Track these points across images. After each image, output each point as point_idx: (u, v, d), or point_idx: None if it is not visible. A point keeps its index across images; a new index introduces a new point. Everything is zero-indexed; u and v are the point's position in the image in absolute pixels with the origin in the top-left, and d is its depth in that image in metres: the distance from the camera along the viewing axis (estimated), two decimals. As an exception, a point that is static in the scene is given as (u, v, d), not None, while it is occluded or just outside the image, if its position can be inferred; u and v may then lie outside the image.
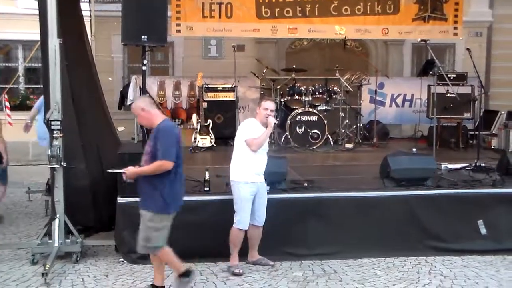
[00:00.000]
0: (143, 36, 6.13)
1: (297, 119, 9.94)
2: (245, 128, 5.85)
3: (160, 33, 6.24)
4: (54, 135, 6.07)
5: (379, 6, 11.23)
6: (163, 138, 4.91)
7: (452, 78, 10.09)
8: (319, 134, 9.91)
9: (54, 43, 6.09)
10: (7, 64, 13.68)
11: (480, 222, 6.62)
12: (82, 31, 7.81)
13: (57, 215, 6.14)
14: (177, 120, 10.74)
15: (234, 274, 5.83)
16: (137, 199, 6.04)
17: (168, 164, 4.87)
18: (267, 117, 5.83)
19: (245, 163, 5.77)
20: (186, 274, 5.13)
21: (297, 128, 9.91)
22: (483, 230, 6.61)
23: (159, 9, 6.18)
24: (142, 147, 6.45)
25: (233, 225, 5.80)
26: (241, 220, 5.76)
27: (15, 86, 12.92)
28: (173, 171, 4.93)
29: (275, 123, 5.96)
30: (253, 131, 5.77)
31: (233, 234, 5.81)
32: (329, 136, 10.20)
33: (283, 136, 10.07)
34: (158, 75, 12.46)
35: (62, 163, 6.09)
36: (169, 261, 5.15)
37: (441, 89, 9.54)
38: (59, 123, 6.09)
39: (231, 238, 5.83)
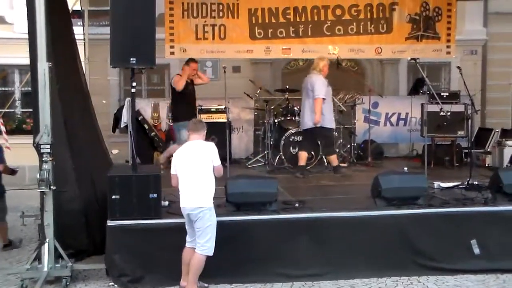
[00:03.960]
0: (131, 59, 6.12)
1: (291, 139, 9.94)
2: (215, 152, 5.78)
3: (148, 55, 6.22)
4: (43, 159, 6.09)
5: (372, 26, 11.25)
6: None
7: (445, 96, 10.15)
8: (313, 154, 9.90)
9: (43, 66, 6.12)
10: (3, 89, 13.74)
11: (473, 242, 6.56)
12: (75, 54, 7.87)
13: (47, 239, 6.13)
14: (172, 142, 10.76)
15: None
16: (128, 222, 6.15)
17: None
18: None
19: (213, 186, 5.75)
20: None
21: (291, 148, 9.91)
22: (476, 250, 6.55)
23: (146, 31, 6.15)
24: (132, 169, 6.50)
25: (202, 253, 5.64)
26: (212, 246, 5.65)
27: (11, 110, 12.97)
28: None
29: None
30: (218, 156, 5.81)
31: (201, 262, 5.65)
32: (323, 156, 10.19)
33: (277, 157, 10.06)
34: (154, 97, 12.51)
35: (51, 187, 6.09)
36: None
37: (434, 108, 9.56)
38: (48, 146, 6.10)
39: (199, 266, 5.65)
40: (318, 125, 9.14)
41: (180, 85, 9.60)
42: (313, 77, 9.27)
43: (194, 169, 5.70)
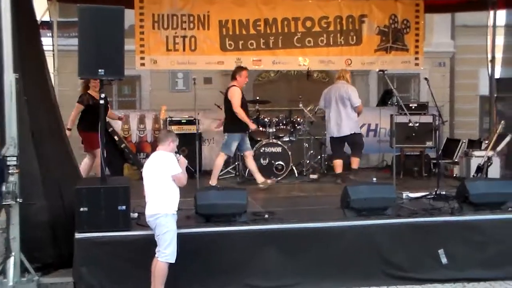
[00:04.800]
0: (100, 70, 6.10)
1: (261, 150, 9.96)
2: (171, 162, 5.74)
3: (117, 66, 6.20)
4: (10, 171, 6.01)
5: (342, 38, 11.36)
6: None
7: (413, 107, 10.30)
8: (284, 165, 9.93)
9: (10, 78, 6.05)
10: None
11: (441, 251, 6.64)
12: (43, 65, 7.79)
13: (13, 253, 6.03)
14: (142, 154, 10.71)
15: None
16: (96, 234, 6.09)
17: None
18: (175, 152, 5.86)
19: (172, 194, 5.74)
20: None
21: (262, 159, 9.91)
22: (444, 260, 6.63)
23: (115, 43, 6.15)
24: (101, 181, 6.45)
25: (162, 260, 5.63)
26: (172, 253, 5.64)
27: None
28: None
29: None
30: (178, 166, 5.76)
31: (163, 270, 5.64)
32: (294, 167, 10.25)
33: (248, 168, 10.06)
34: (125, 109, 12.44)
35: (18, 200, 6.02)
36: None
37: (403, 119, 9.68)
38: (15, 158, 6.03)
39: (161, 274, 5.64)
40: (357, 132, 9.91)
41: (239, 98, 9.03)
42: (346, 86, 9.83)
43: (150, 179, 5.77)
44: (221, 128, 9.57)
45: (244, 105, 9.14)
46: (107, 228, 6.13)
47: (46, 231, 6.71)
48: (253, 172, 9.30)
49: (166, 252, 5.62)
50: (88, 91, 9.07)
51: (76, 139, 10.03)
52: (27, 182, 6.33)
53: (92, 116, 8.74)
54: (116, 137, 10.28)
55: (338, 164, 9.91)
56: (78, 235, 6.09)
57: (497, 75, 11.41)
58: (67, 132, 8.55)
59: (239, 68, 9.33)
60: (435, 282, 6.55)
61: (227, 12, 10.98)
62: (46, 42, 9.24)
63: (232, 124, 9.11)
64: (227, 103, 9.16)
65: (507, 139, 9.65)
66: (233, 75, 9.25)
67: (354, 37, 11.44)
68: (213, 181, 9.07)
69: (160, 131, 6.37)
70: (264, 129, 10.27)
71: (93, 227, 6.11)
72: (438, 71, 15.04)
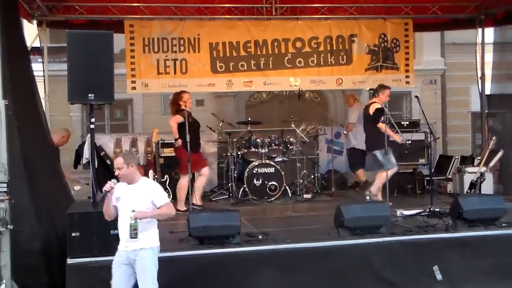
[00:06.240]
0: (89, 95, 6.10)
1: (254, 171, 9.93)
2: None
3: (107, 91, 6.21)
4: (0, 198, 5.97)
5: (332, 58, 11.40)
6: None
7: (405, 125, 10.33)
8: (277, 185, 9.89)
9: (-1, 104, 6.05)
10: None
11: (435, 268, 6.64)
12: (33, 91, 7.82)
13: (3, 281, 5.97)
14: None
15: None
16: (89, 259, 6.04)
17: None
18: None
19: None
20: None
21: (255, 180, 9.88)
22: (439, 276, 6.63)
23: (105, 67, 6.17)
24: (93, 206, 6.40)
25: None
26: None
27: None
28: None
29: (106, 191, 5.35)
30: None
31: None
32: (287, 187, 10.21)
33: (241, 189, 10.04)
34: (118, 132, 12.43)
35: (8, 226, 5.96)
36: None
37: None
38: (5, 185, 5.99)
39: None
40: None
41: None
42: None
43: None
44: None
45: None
46: (100, 253, 6.07)
47: (38, 258, 6.64)
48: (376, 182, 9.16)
49: None
50: (182, 108, 8.78)
51: (66, 162, 10.08)
52: (18, 208, 6.28)
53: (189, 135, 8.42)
54: (108, 161, 10.24)
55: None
56: (70, 261, 6.04)
57: (488, 91, 11.46)
58: (178, 142, 8.65)
59: (383, 87, 9.32)
60: (431, 300, 6.52)
61: (218, 35, 11.01)
62: (37, 67, 9.27)
63: (377, 140, 8.82)
64: (368, 120, 9.09)
65: (499, 154, 9.70)
66: (376, 92, 9.24)
67: (345, 57, 11.49)
68: (378, 197, 9.04)
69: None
70: (256, 150, 10.25)
71: (85, 252, 6.07)
72: (429, 88, 15.14)
